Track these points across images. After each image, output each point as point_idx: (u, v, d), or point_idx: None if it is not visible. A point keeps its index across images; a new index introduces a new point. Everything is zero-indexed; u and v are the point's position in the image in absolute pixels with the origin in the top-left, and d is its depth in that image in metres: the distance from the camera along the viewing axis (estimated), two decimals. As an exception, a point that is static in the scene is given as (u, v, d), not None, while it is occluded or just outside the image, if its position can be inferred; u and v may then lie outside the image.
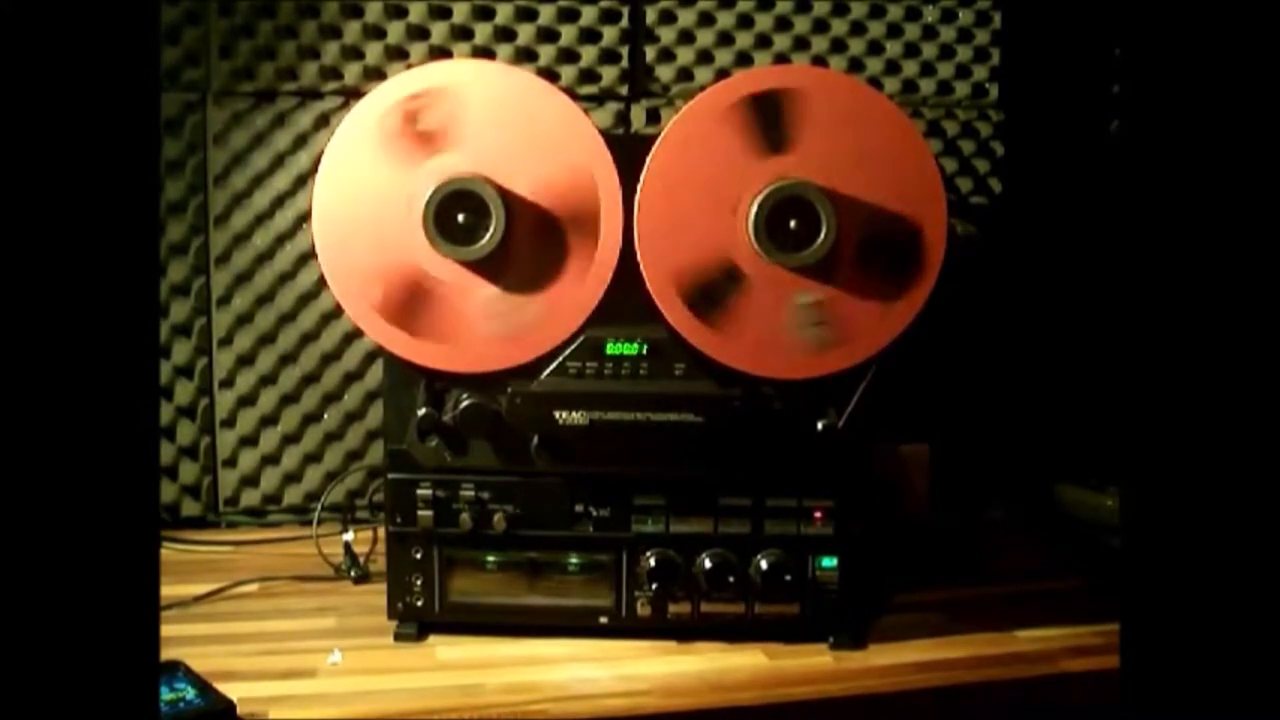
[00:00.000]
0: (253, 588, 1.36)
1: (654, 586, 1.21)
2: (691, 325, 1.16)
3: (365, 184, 1.15)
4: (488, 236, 1.13)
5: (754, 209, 1.13)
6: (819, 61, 1.64)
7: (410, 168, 1.14)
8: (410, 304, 1.16)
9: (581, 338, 1.17)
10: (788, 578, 1.21)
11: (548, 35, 1.59)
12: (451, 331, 1.16)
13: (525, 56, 1.58)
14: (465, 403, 1.18)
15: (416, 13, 1.55)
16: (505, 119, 1.15)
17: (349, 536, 1.41)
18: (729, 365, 1.17)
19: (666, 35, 1.62)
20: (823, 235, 1.13)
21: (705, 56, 1.63)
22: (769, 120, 1.14)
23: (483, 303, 1.16)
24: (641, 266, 1.16)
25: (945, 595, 1.36)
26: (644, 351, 1.18)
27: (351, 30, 1.54)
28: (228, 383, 1.57)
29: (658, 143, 1.15)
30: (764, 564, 1.21)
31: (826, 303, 1.16)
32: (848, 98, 1.16)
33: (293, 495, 1.59)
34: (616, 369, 1.18)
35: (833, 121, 1.14)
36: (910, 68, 1.68)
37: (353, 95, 1.53)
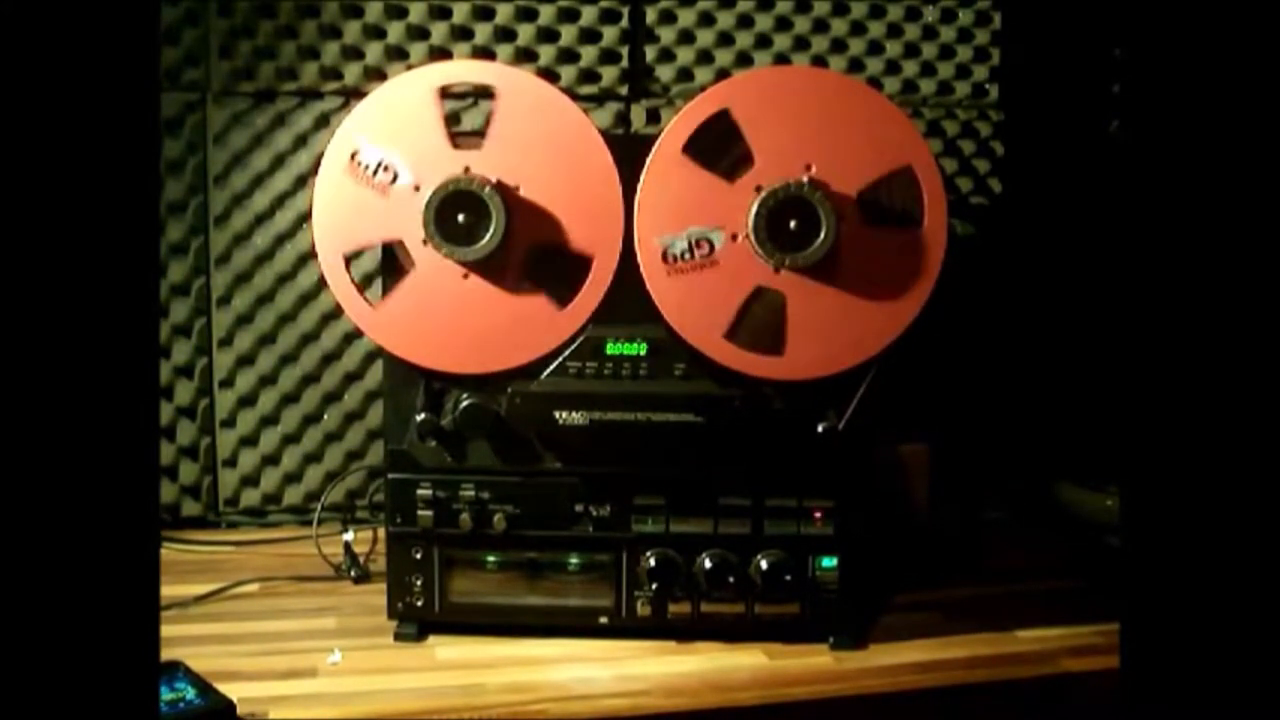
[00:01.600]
0: (253, 588, 1.36)
1: (654, 586, 1.21)
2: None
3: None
4: (488, 237, 1.13)
5: (754, 209, 1.13)
6: (819, 61, 1.64)
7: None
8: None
9: (581, 338, 1.17)
10: (788, 578, 1.21)
11: (548, 35, 1.59)
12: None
13: (525, 56, 1.58)
14: (465, 403, 1.18)
15: (416, 13, 1.55)
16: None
17: (349, 536, 1.41)
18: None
19: (666, 35, 1.62)
20: (822, 235, 1.13)
21: (705, 56, 1.63)
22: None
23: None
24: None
25: (945, 595, 1.36)
26: (644, 351, 1.18)
27: (351, 30, 1.54)
28: (228, 383, 1.57)
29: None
30: (764, 564, 1.21)
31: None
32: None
33: (293, 495, 1.59)
34: (616, 369, 1.18)
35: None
36: (910, 68, 1.68)
37: (353, 95, 1.53)
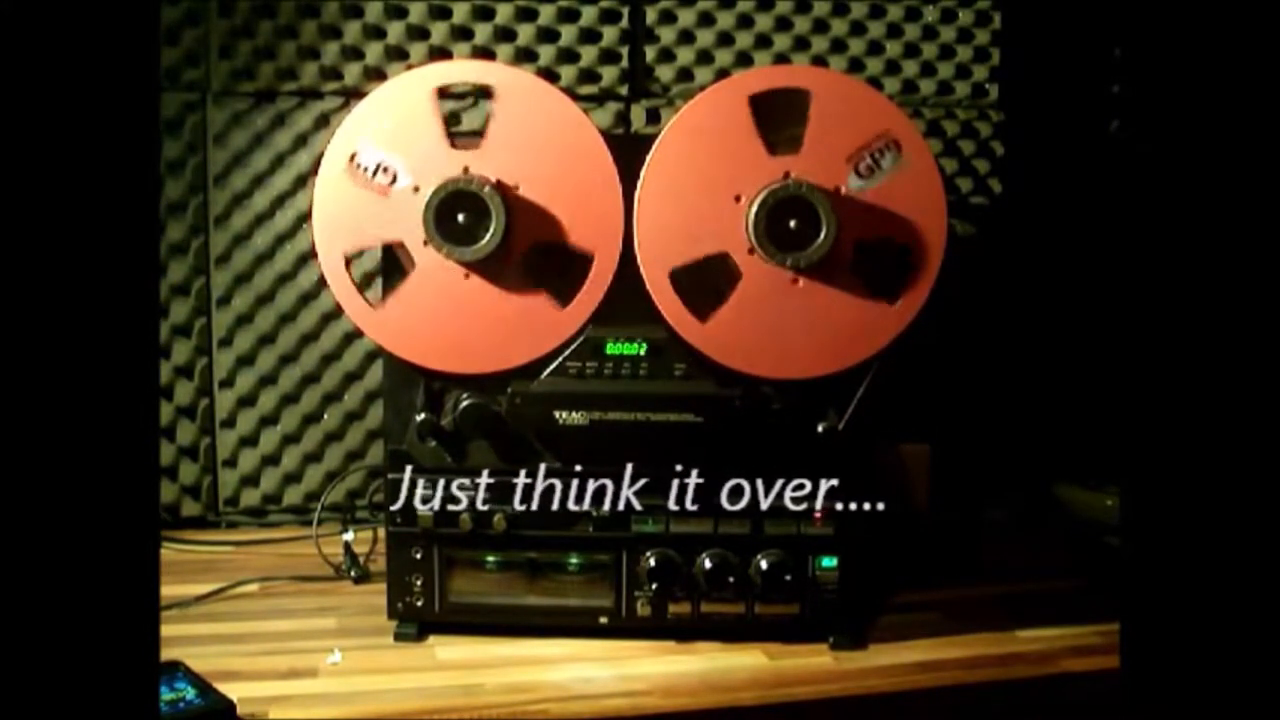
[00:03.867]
0: (253, 588, 1.36)
1: (654, 586, 1.21)
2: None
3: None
4: (488, 237, 1.13)
5: (754, 209, 1.13)
6: (819, 61, 1.64)
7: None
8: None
9: (581, 338, 1.17)
10: (788, 578, 1.21)
11: (548, 35, 1.59)
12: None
13: (525, 56, 1.58)
14: (465, 403, 1.18)
15: (416, 13, 1.55)
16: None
17: (349, 536, 1.41)
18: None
19: (666, 35, 1.62)
20: (822, 235, 1.13)
21: (705, 56, 1.63)
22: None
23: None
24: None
25: (945, 595, 1.36)
26: (644, 351, 1.18)
27: (351, 30, 1.54)
28: (228, 383, 1.57)
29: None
30: (764, 564, 1.21)
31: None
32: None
33: (293, 495, 1.59)
34: (616, 369, 1.18)
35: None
36: (910, 68, 1.68)
37: (353, 95, 1.53)
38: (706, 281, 1.16)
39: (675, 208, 1.16)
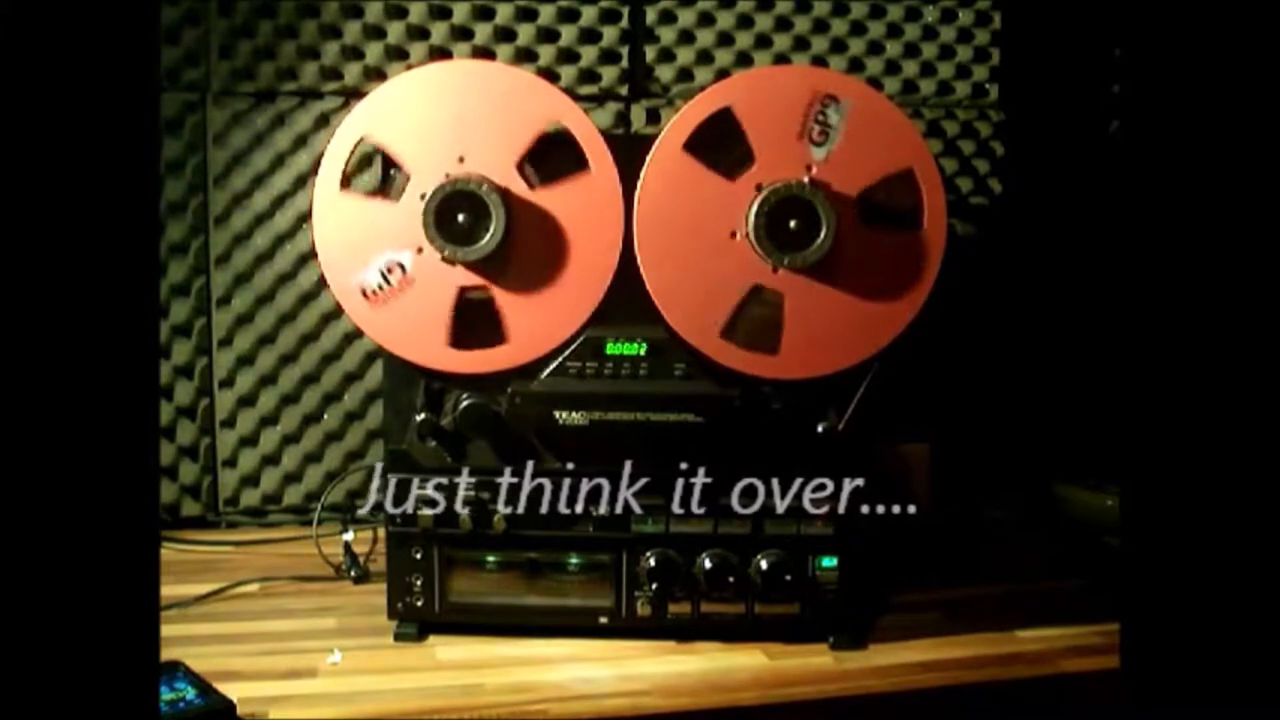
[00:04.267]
0: (253, 588, 1.36)
1: (654, 586, 1.21)
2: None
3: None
4: (488, 236, 1.13)
5: (752, 233, 1.13)
6: (819, 61, 1.64)
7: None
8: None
9: (581, 338, 1.17)
10: (788, 578, 1.21)
11: (548, 35, 1.59)
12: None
13: (525, 56, 1.58)
14: (465, 403, 1.18)
15: (416, 13, 1.55)
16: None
17: (349, 536, 1.41)
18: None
19: (666, 35, 1.62)
20: (823, 235, 1.13)
21: (705, 56, 1.63)
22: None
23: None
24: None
25: (945, 595, 1.36)
26: (644, 351, 1.18)
27: (351, 30, 1.54)
28: (228, 383, 1.57)
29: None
30: (764, 564, 1.21)
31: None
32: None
33: (293, 495, 1.59)
34: (616, 369, 1.18)
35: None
36: (910, 68, 1.68)
37: (353, 95, 1.53)
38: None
39: (687, 277, 1.16)
